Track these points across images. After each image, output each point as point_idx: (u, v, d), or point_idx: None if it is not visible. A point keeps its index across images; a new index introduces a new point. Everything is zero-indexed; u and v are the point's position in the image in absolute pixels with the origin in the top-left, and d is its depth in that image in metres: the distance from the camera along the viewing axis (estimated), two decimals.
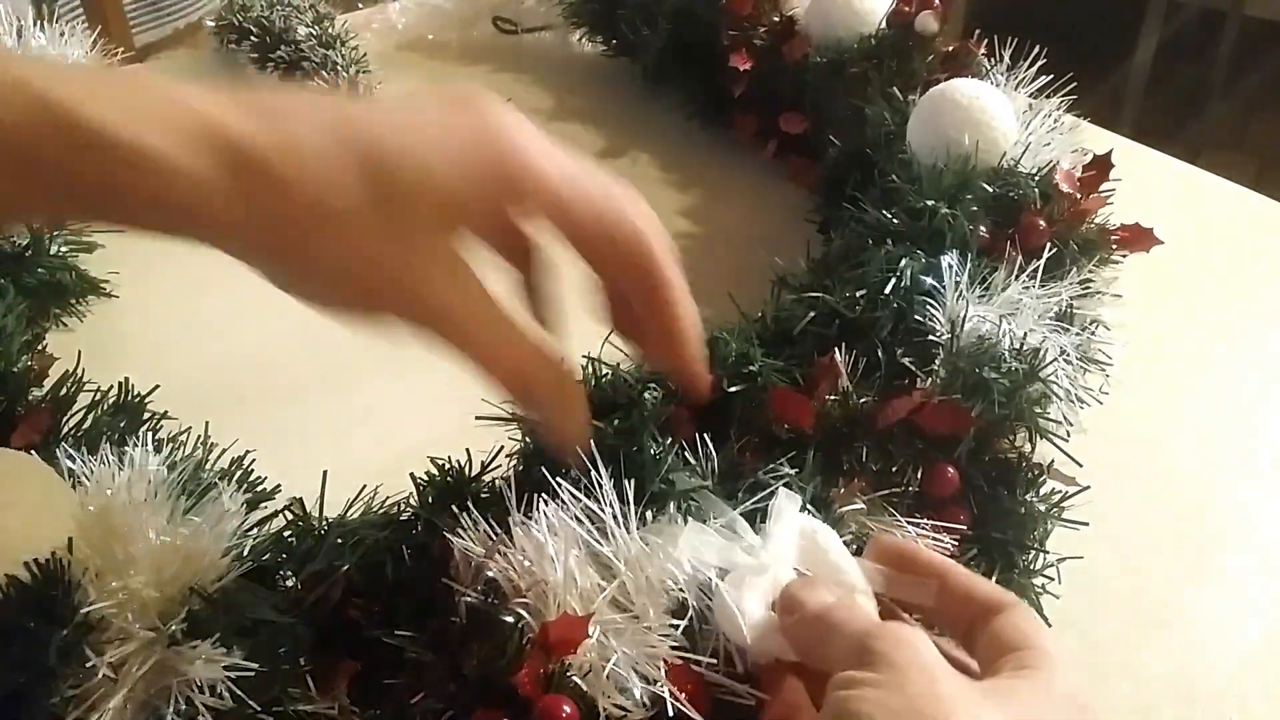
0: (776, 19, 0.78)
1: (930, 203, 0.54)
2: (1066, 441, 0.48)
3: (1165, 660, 0.46)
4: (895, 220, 0.55)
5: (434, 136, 0.35)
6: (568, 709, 0.34)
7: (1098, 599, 0.46)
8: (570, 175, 0.36)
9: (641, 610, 0.36)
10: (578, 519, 0.38)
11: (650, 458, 0.40)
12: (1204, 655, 0.46)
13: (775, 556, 0.37)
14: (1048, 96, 0.65)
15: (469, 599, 0.37)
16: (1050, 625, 0.45)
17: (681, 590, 0.37)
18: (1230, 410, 0.58)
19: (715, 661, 0.36)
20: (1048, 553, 0.46)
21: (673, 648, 0.36)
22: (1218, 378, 0.60)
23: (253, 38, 0.89)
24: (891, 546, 0.38)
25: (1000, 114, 0.61)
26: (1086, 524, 0.46)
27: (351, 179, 0.33)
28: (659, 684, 0.35)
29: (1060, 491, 0.46)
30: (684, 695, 0.34)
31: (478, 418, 0.43)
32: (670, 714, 0.34)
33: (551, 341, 0.39)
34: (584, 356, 0.45)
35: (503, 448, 0.44)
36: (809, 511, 0.40)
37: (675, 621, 0.36)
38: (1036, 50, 0.67)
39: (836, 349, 0.47)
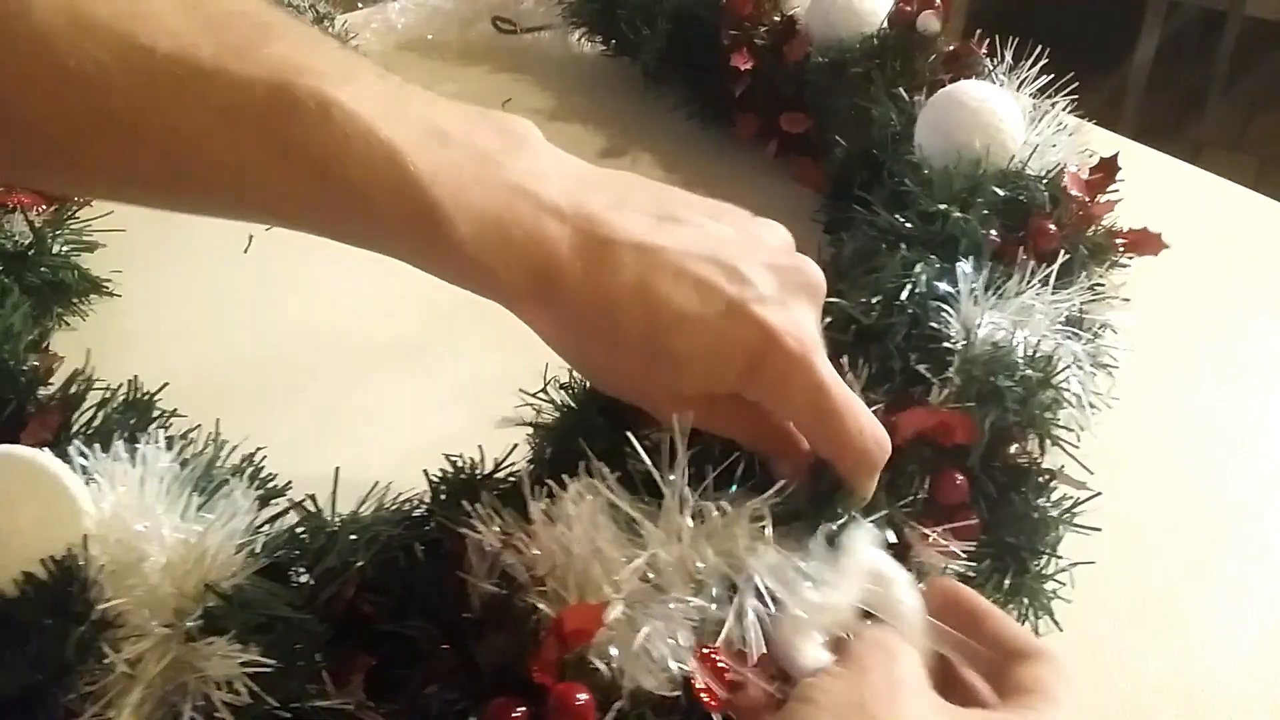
0: (777, 19, 0.78)
1: (942, 206, 0.54)
2: (1078, 447, 0.48)
3: (1165, 660, 0.46)
4: (908, 224, 0.55)
5: (718, 333, 0.37)
6: (583, 696, 0.35)
7: (1098, 600, 0.46)
8: (836, 408, 0.38)
9: (667, 584, 0.36)
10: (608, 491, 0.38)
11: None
12: (1204, 655, 0.46)
13: (838, 596, 0.37)
14: (1049, 97, 0.65)
15: (483, 590, 0.37)
16: (1038, 634, 0.46)
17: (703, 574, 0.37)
18: (1230, 410, 0.58)
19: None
20: (1060, 558, 0.46)
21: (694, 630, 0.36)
22: (1217, 378, 0.61)
23: None
24: (946, 590, 0.39)
25: (1009, 117, 0.61)
26: (1099, 529, 0.46)
27: (633, 324, 0.37)
28: (686, 661, 0.35)
29: (1071, 497, 0.46)
30: (713, 678, 0.35)
31: (500, 422, 0.43)
32: (694, 693, 0.35)
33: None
34: None
35: (516, 445, 0.44)
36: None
37: (700, 602, 0.36)
38: (1037, 50, 0.67)
39: (848, 355, 0.47)
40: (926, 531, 0.43)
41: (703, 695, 0.35)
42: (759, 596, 0.37)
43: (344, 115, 0.34)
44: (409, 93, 0.38)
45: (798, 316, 0.38)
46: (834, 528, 0.38)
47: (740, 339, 0.37)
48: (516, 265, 0.37)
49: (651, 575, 0.37)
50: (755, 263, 0.38)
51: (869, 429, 0.39)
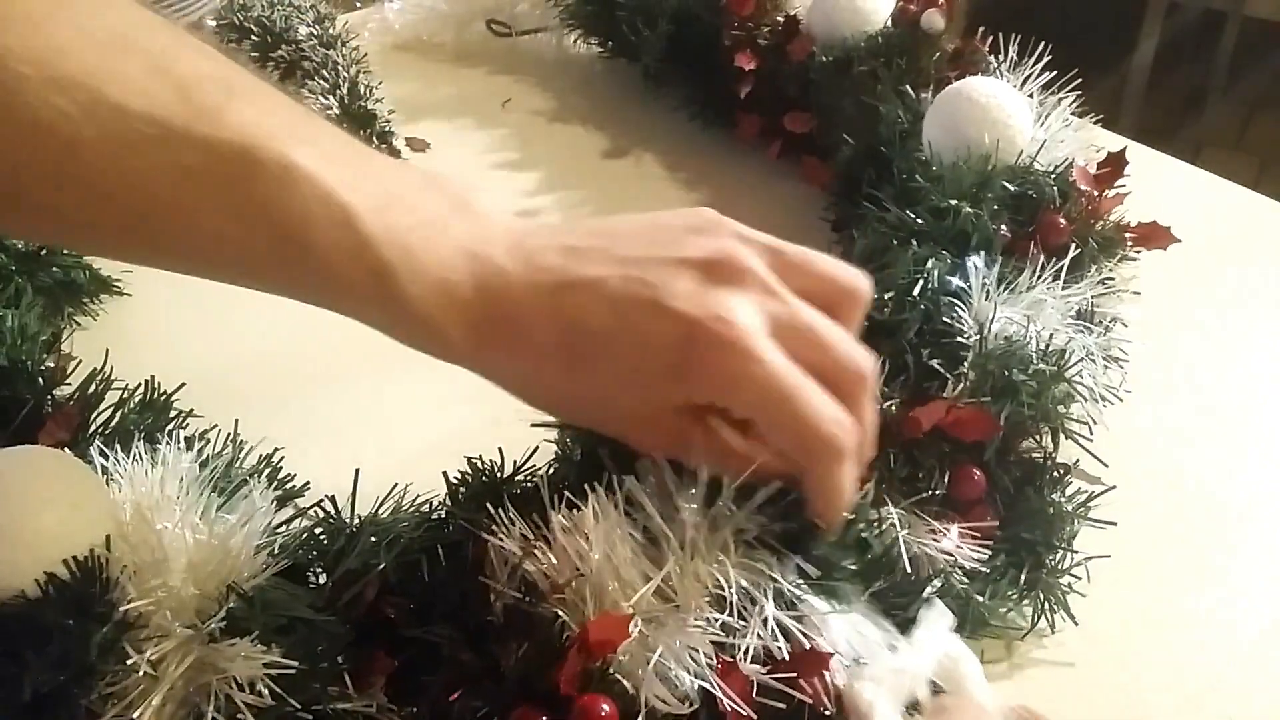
0: (780, 18, 0.78)
1: (953, 202, 0.55)
2: (1091, 441, 0.48)
3: (1165, 660, 0.46)
4: (919, 220, 0.55)
5: (639, 339, 0.38)
6: (606, 708, 0.35)
7: (1098, 598, 0.46)
8: (772, 394, 0.37)
9: (684, 601, 0.36)
10: (627, 502, 0.38)
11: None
12: (1204, 655, 0.46)
13: (916, 663, 0.37)
14: (1053, 93, 0.66)
15: (506, 598, 0.37)
16: (1053, 629, 0.46)
17: (724, 589, 0.37)
18: (1229, 409, 0.58)
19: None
20: (1075, 552, 0.46)
21: (713, 642, 0.36)
22: (1216, 377, 0.61)
23: (253, 37, 0.89)
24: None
25: (1017, 112, 0.61)
26: (1115, 523, 0.46)
27: (552, 353, 0.39)
28: (703, 677, 0.35)
29: (1085, 491, 0.47)
30: (733, 691, 0.35)
31: (534, 424, 0.43)
32: (714, 709, 0.35)
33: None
34: None
35: (537, 447, 0.44)
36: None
37: (717, 616, 0.36)
38: (1039, 49, 0.67)
39: None
40: (945, 527, 0.43)
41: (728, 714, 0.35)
42: (779, 606, 0.37)
43: (305, 178, 0.36)
44: (366, 156, 0.40)
45: (725, 301, 0.38)
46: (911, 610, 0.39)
47: (660, 337, 0.38)
48: (464, 322, 0.38)
49: (669, 592, 0.37)
50: (668, 265, 0.39)
51: (827, 412, 0.37)
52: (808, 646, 0.36)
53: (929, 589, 0.41)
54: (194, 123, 0.35)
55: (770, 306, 0.38)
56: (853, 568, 0.40)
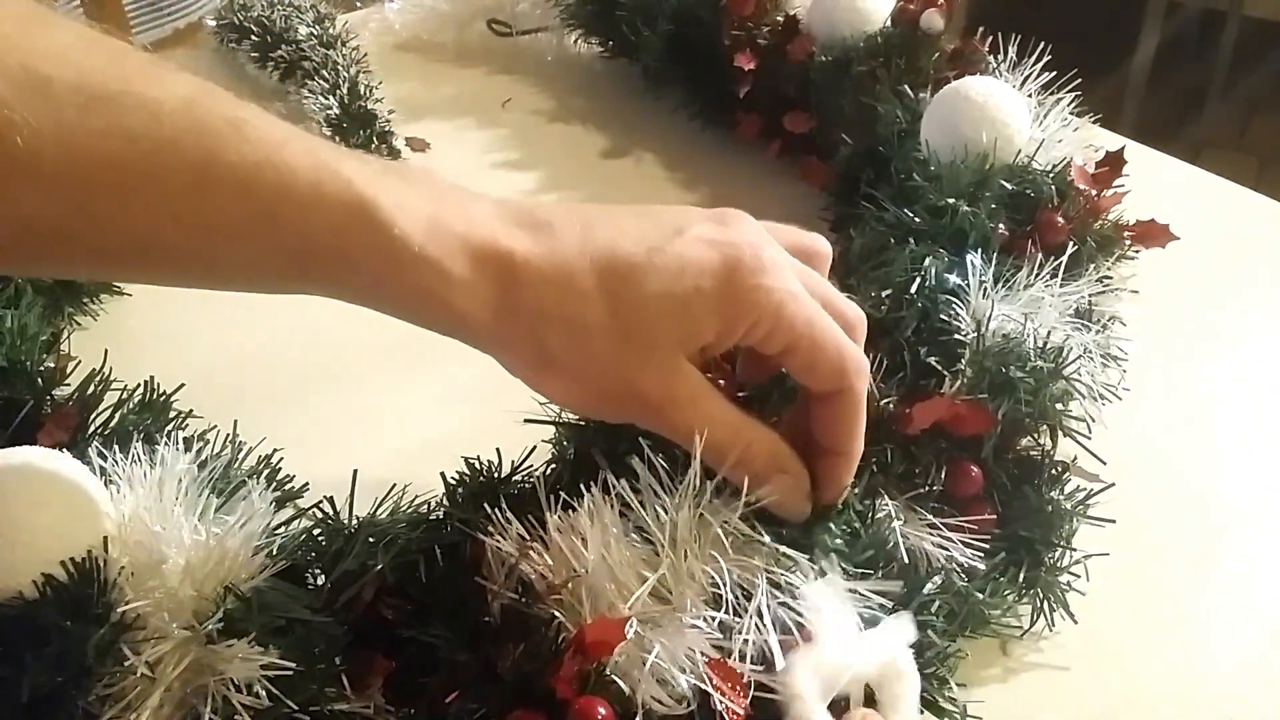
0: (779, 18, 0.78)
1: (951, 200, 0.55)
2: (1090, 439, 0.48)
3: (1165, 660, 0.46)
4: (916, 219, 0.55)
5: (680, 265, 0.37)
6: (603, 710, 0.35)
7: (1098, 598, 0.46)
8: (808, 319, 0.38)
9: (680, 600, 0.36)
10: (622, 502, 0.38)
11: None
12: (1204, 655, 0.46)
13: (858, 662, 0.36)
14: (1052, 94, 0.66)
15: (503, 599, 0.37)
16: (1051, 626, 0.46)
17: (719, 586, 0.37)
18: (1229, 410, 0.58)
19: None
20: (1074, 550, 0.46)
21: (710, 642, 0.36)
22: (1216, 377, 0.61)
23: (253, 37, 0.89)
24: None
25: (1015, 111, 0.61)
26: (1114, 521, 0.46)
27: (594, 294, 0.37)
28: (699, 678, 0.35)
29: (1085, 489, 0.47)
30: (727, 688, 0.35)
31: (526, 419, 0.43)
32: (709, 709, 0.35)
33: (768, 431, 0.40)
34: None
35: (535, 448, 0.44)
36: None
37: (713, 614, 0.36)
38: (1039, 49, 0.67)
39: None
40: (942, 523, 0.43)
41: (724, 712, 0.35)
42: (776, 599, 0.37)
43: (256, 129, 0.34)
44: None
45: (750, 236, 0.38)
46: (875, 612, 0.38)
47: (698, 262, 0.37)
48: (466, 259, 0.36)
49: (664, 591, 0.37)
50: (684, 214, 0.39)
51: (847, 339, 0.39)
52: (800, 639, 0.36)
53: (929, 586, 0.41)
54: (133, 84, 0.32)
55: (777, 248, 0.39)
56: (837, 543, 0.40)
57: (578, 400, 0.40)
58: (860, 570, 0.39)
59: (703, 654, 0.35)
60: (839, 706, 0.36)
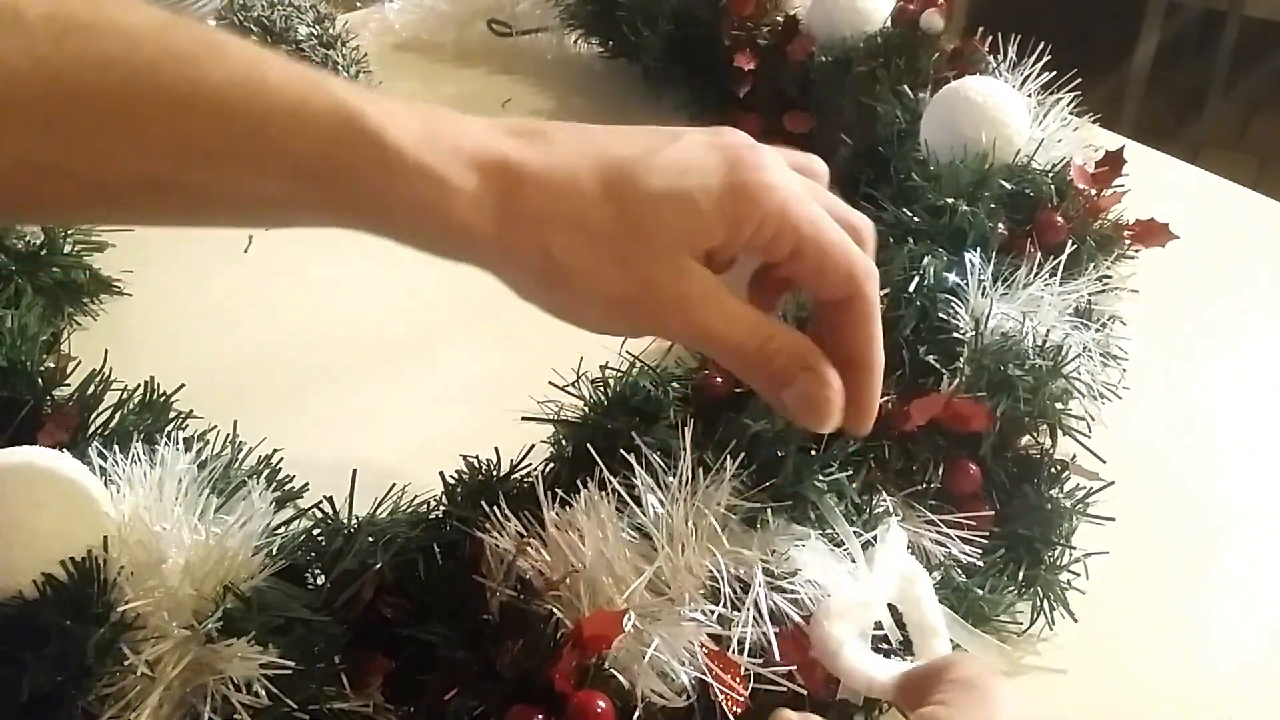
0: (779, 18, 0.78)
1: (950, 200, 0.55)
2: (1089, 437, 0.48)
3: (1165, 660, 0.46)
4: (915, 218, 0.55)
5: (683, 163, 0.36)
6: (603, 704, 0.35)
7: (1097, 598, 0.46)
8: (813, 219, 0.37)
9: (678, 594, 0.36)
10: (618, 498, 0.38)
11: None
12: (1204, 655, 0.46)
13: (877, 592, 0.37)
14: (1052, 94, 0.66)
15: (501, 596, 0.38)
16: (1051, 625, 0.46)
17: (717, 579, 0.37)
18: (1229, 409, 0.58)
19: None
20: (1074, 549, 0.46)
21: (708, 634, 0.36)
22: (1216, 377, 0.61)
23: (253, 37, 0.89)
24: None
25: (1014, 111, 0.61)
26: (1113, 519, 0.46)
27: (598, 194, 0.35)
28: (698, 669, 0.35)
29: (1084, 487, 0.47)
30: (727, 679, 0.35)
31: (524, 417, 0.43)
32: (710, 701, 0.35)
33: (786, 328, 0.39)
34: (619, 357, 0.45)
35: (533, 446, 0.44)
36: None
37: (711, 607, 0.36)
38: (1039, 49, 0.67)
39: None
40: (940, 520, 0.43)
41: (723, 702, 0.35)
42: (773, 590, 0.37)
43: (234, 49, 0.33)
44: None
45: (748, 142, 0.37)
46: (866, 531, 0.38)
47: (701, 161, 0.36)
48: (463, 166, 0.34)
49: (661, 585, 0.37)
50: (681, 130, 0.38)
51: (854, 245, 0.38)
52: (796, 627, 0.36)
53: None
54: (106, 9, 0.31)
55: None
56: (825, 480, 0.40)
57: (589, 310, 0.37)
58: None
59: (702, 646, 0.35)
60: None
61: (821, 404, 0.37)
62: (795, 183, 0.37)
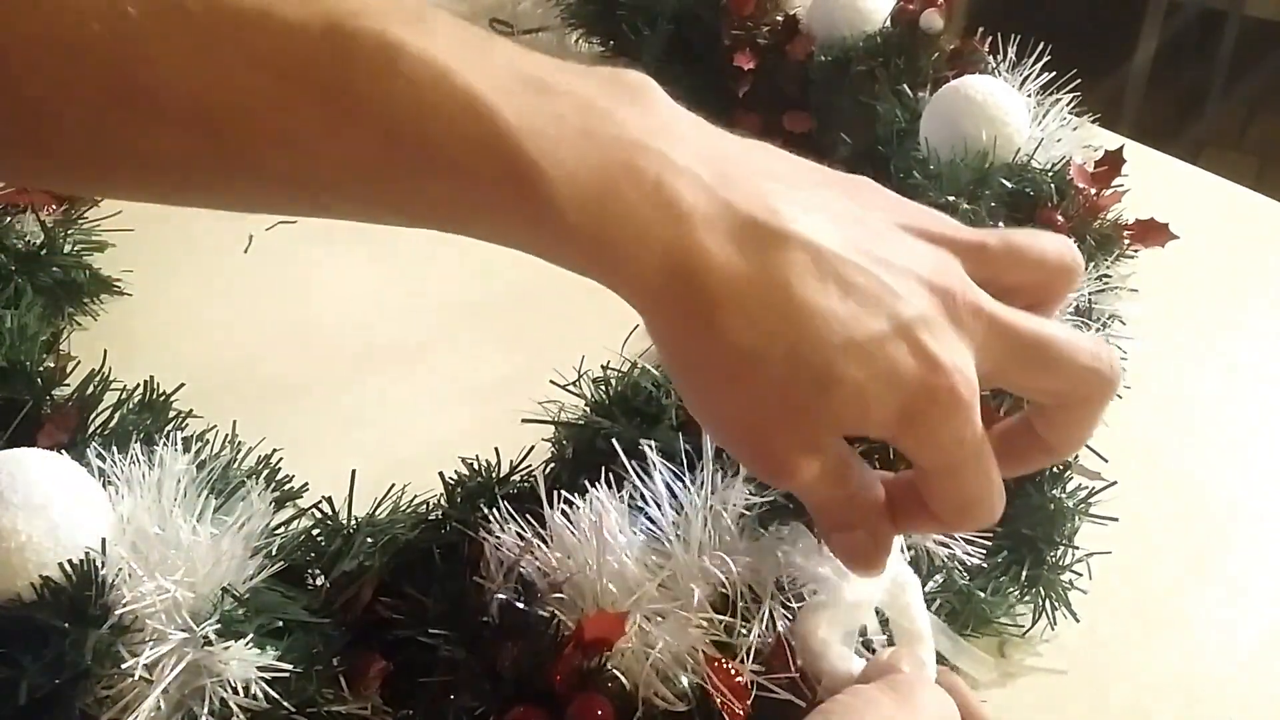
0: (779, 18, 0.78)
1: (950, 199, 0.55)
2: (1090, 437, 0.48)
3: (1165, 660, 0.46)
4: None
5: (878, 345, 0.30)
6: (603, 707, 0.35)
7: (1097, 598, 0.46)
8: (976, 463, 0.33)
9: (686, 597, 0.36)
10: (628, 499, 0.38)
11: None
12: (1204, 655, 0.46)
13: (865, 594, 0.37)
14: (1051, 94, 0.66)
15: (501, 597, 0.37)
16: (1053, 625, 0.46)
17: (726, 587, 0.37)
18: (1229, 409, 0.58)
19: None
20: (1076, 548, 0.46)
21: (713, 641, 0.36)
22: (1216, 377, 0.61)
23: None
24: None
25: (1014, 110, 0.61)
26: (1116, 519, 0.46)
27: (783, 352, 0.30)
28: (701, 675, 0.35)
29: (1086, 487, 0.46)
30: (726, 688, 0.35)
31: (523, 420, 0.43)
32: (711, 707, 0.35)
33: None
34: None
35: (533, 447, 0.44)
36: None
37: (718, 616, 0.36)
38: (1039, 49, 0.67)
39: None
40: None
41: (724, 712, 0.35)
42: (784, 603, 0.37)
43: (412, 60, 0.28)
44: (492, 39, 0.31)
45: (961, 349, 0.32)
46: None
47: (908, 374, 0.30)
48: (640, 241, 0.29)
49: (670, 589, 0.37)
50: (906, 277, 0.31)
51: (995, 491, 0.35)
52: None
53: (930, 584, 0.41)
54: (269, 5, 0.28)
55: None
56: None
57: (715, 430, 0.34)
58: None
59: (704, 653, 0.35)
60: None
61: (862, 560, 0.35)
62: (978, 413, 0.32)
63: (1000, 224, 0.55)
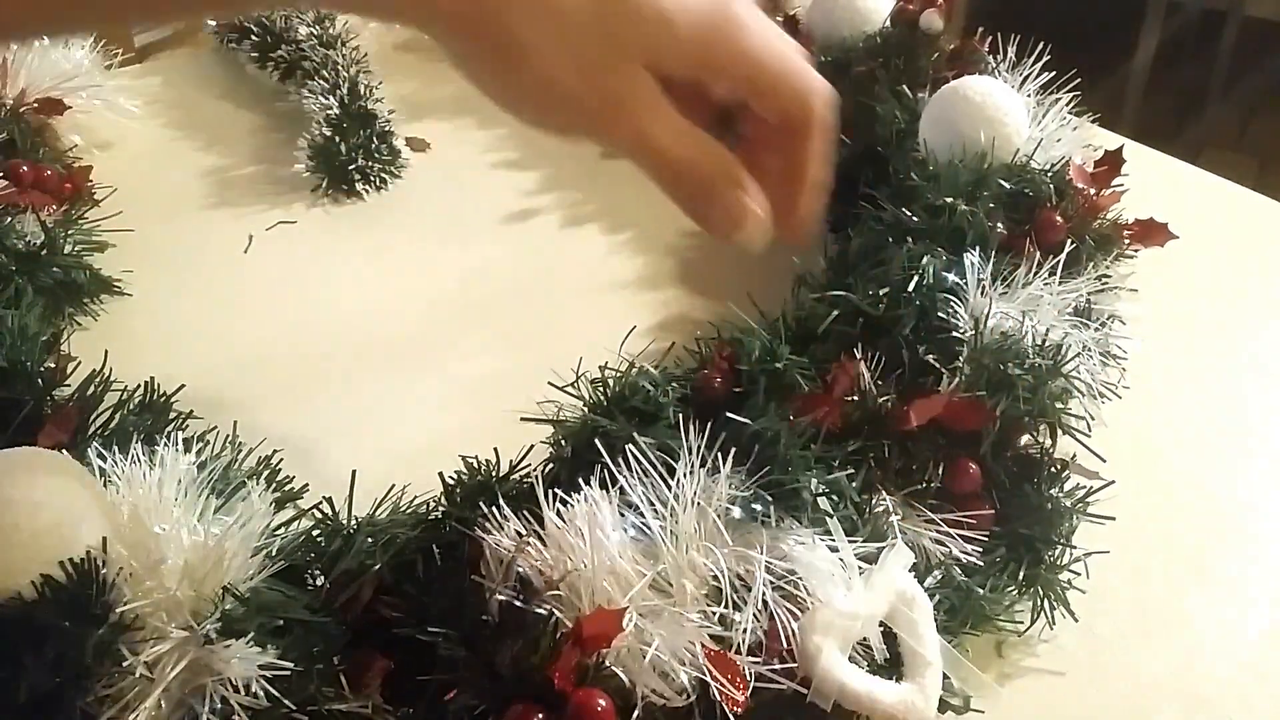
0: (779, 19, 0.78)
1: (949, 200, 0.55)
2: (1089, 436, 0.48)
3: (1165, 660, 0.46)
4: (914, 218, 0.55)
5: None
6: (603, 703, 0.35)
7: (1097, 598, 0.46)
8: (777, 54, 0.36)
9: (679, 593, 0.36)
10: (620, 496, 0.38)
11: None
12: (1204, 655, 0.46)
13: (868, 607, 0.37)
14: (1051, 94, 0.66)
15: (500, 595, 0.37)
16: (1052, 625, 0.46)
17: (719, 579, 0.37)
18: (1229, 409, 0.58)
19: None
20: (1075, 548, 0.46)
21: (709, 635, 0.36)
22: (1216, 378, 0.61)
23: (253, 37, 0.89)
24: None
25: (1013, 110, 0.61)
26: (1114, 518, 0.46)
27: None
28: (699, 669, 0.35)
29: (1084, 486, 0.46)
30: (726, 680, 0.35)
31: (523, 418, 0.43)
32: (710, 700, 0.35)
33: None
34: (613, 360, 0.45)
35: (532, 447, 0.44)
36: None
37: (714, 609, 0.36)
38: (1039, 49, 0.67)
39: (858, 347, 0.47)
40: (941, 519, 0.43)
41: (723, 702, 0.35)
42: (775, 589, 0.37)
43: None
44: None
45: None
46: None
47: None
48: None
49: (664, 584, 0.37)
50: None
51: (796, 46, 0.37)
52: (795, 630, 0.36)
53: (928, 581, 0.41)
54: None
55: None
56: (821, 487, 0.40)
57: (530, 98, 0.36)
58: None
59: (703, 646, 0.35)
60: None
61: (742, 217, 0.37)
62: (776, 43, 0.36)
63: (1000, 225, 0.55)
